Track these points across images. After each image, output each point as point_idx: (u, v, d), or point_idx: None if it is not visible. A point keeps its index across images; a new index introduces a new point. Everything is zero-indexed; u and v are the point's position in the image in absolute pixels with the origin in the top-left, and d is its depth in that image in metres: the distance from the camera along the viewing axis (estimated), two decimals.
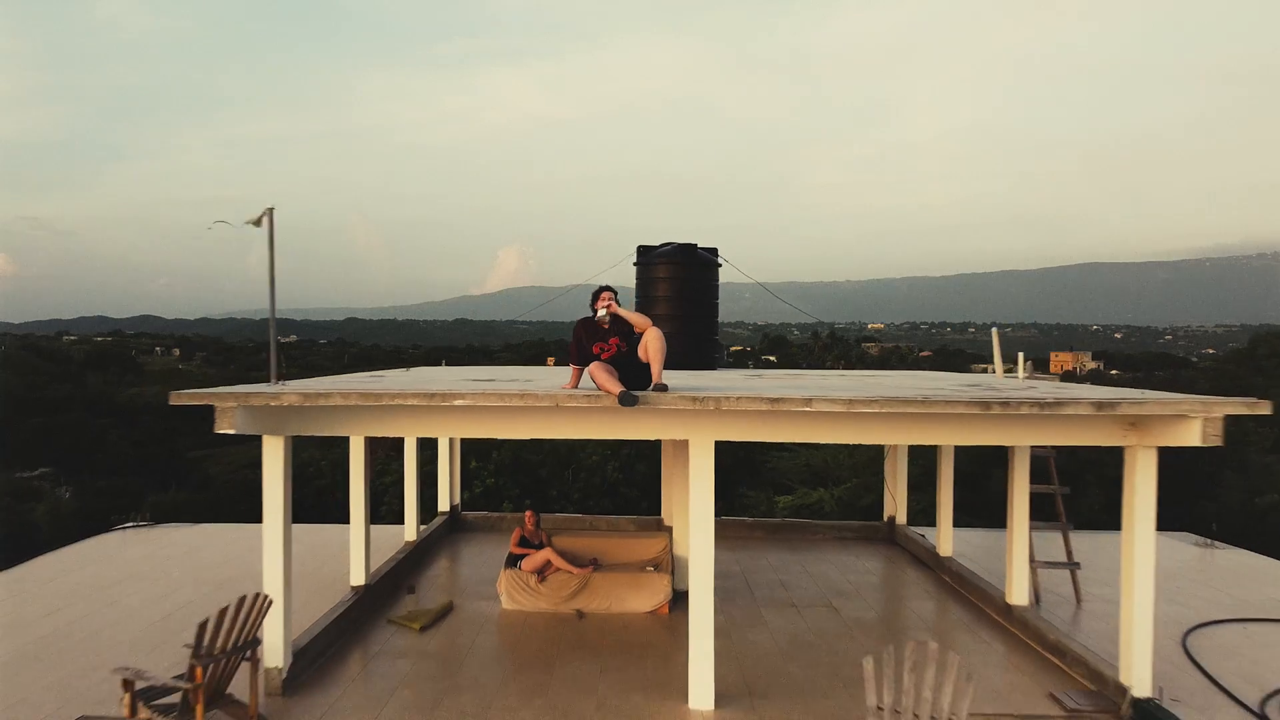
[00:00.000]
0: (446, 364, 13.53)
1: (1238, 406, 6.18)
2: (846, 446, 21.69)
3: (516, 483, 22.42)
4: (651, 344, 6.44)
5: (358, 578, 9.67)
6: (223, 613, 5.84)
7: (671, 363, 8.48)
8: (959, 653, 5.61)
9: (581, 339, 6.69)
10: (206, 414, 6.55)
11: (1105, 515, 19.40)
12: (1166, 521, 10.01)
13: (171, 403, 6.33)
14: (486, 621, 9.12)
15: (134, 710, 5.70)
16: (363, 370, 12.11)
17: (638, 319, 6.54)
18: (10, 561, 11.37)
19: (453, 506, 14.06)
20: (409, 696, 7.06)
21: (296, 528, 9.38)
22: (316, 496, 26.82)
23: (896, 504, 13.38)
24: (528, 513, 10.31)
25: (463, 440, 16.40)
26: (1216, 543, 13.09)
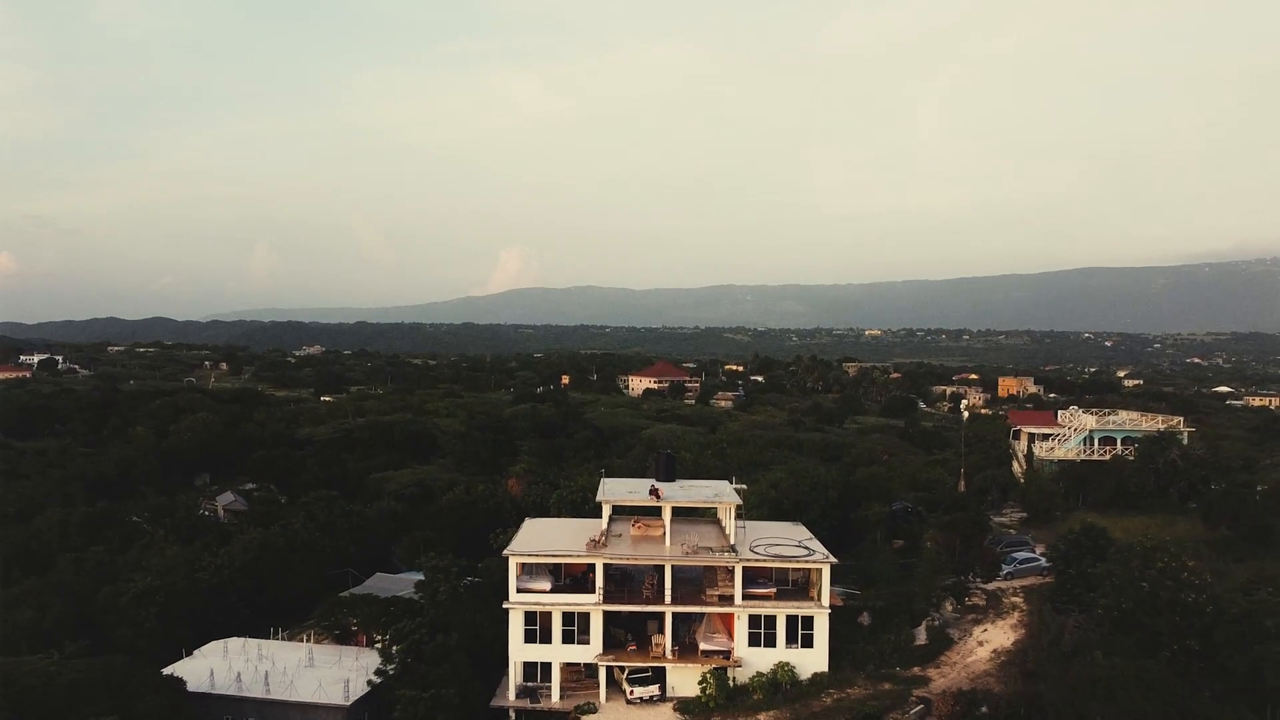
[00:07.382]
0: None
1: (735, 493, 45.86)
2: None
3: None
4: (660, 488, 46.50)
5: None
6: (596, 538, 45.73)
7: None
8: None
9: (653, 488, 46.71)
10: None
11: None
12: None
13: None
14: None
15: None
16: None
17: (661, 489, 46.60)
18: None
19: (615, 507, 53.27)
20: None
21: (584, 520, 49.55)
22: (569, 507, 63.69)
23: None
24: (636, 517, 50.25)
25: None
26: (805, 533, 52.32)
